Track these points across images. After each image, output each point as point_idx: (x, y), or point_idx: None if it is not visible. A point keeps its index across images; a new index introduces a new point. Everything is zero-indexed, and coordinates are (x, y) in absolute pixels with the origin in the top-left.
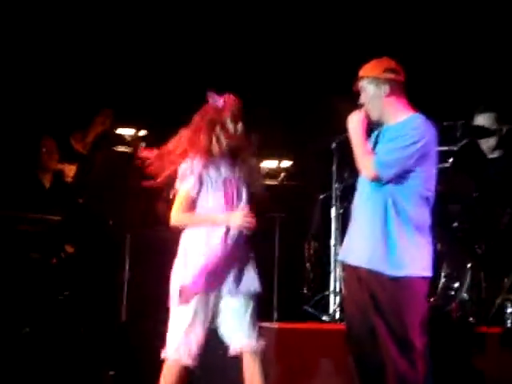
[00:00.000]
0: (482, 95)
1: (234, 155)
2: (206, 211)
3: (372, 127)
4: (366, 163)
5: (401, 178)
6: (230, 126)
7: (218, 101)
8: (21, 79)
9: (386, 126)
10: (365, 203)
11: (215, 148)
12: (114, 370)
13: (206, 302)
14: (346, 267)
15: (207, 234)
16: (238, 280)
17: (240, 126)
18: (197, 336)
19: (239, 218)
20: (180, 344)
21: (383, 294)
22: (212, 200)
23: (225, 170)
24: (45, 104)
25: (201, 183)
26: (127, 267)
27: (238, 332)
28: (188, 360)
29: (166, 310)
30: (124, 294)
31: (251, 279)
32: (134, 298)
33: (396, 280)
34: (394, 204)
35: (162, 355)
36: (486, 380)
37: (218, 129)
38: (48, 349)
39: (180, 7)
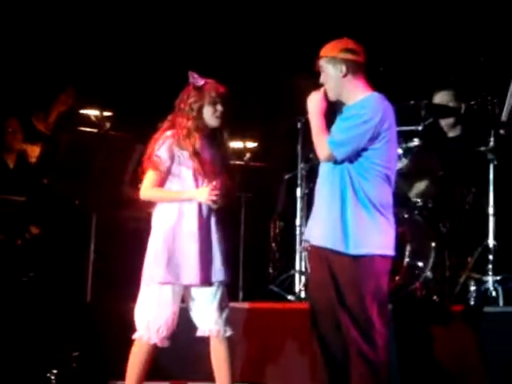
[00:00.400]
0: (442, 74)
1: (210, 137)
2: (176, 187)
3: (337, 108)
4: (321, 143)
5: (357, 156)
6: (209, 108)
7: (198, 81)
8: None
9: (345, 107)
10: (324, 183)
11: (191, 128)
12: (78, 350)
13: (177, 287)
14: (310, 246)
15: (179, 209)
16: (208, 270)
17: (219, 108)
18: (168, 316)
19: (206, 192)
20: (151, 323)
21: (343, 273)
22: (182, 176)
23: (198, 150)
24: (7, 84)
25: (172, 160)
26: (93, 248)
27: (206, 317)
28: (157, 340)
29: (131, 291)
30: (89, 274)
31: (221, 268)
32: (99, 278)
33: (355, 259)
34: (352, 183)
35: (134, 335)
36: (448, 356)
37: (195, 111)
38: (12, 330)
39: None
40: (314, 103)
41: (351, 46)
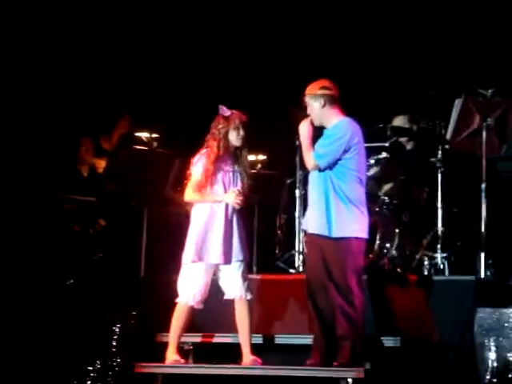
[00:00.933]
0: (400, 103)
1: (234, 154)
2: (210, 192)
3: (322, 131)
4: (308, 157)
5: (335, 165)
6: (233, 133)
7: (226, 112)
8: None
9: (326, 129)
10: (313, 187)
11: (220, 148)
12: (135, 311)
13: (208, 265)
14: (307, 234)
15: (211, 208)
16: (230, 252)
17: (241, 133)
18: (201, 286)
19: (232, 196)
20: (189, 291)
21: (329, 252)
22: (214, 184)
23: (225, 164)
24: (78, 111)
25: (206, 172)
26: (145, 235)
27: (232, 285)
28: (194, 303)
29: (174, 267)
30: (142, 255)
31: (240, 251)
32: (150, 258)
33: (337, 240)
34: (332, 184)
35: (176, 300)
36: (409, 312)
37: (222, 135)
38: (86, 296)
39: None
40: (303, 129)
41: (327, 84)
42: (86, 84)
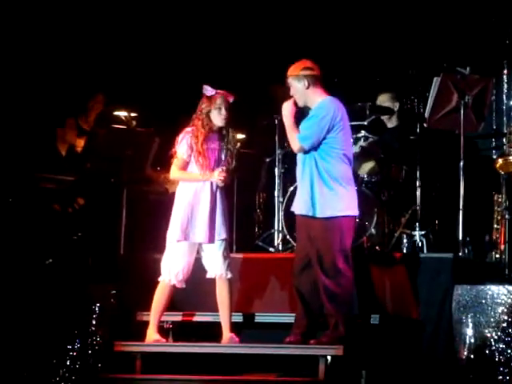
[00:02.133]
0: (383, 81)
1: (220, 132)
2: (195, 169)
3: (305, 111)
4: (292, 138)
5: (320, 145)
6: (215, 112)
7: (209, 92)
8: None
9: (310, 110)
10: (299, 168)
11: (204, 127)
12: (115, 289)
13: (191, 243)
14: (296, 215)
15: (196, 187)
16: (214, 231)
17: (223, 113)
18: (184, 265)
19: (216, 176)
20: (172, 270)
21: (315, 232)
22: (200, 162)
23: (211, 142)
24: (56, 91)
25: (191, 150)
26: (124, 214)
27: (213, 264)
28: (176, 282)
29: (153, 245)
30: (122, 234)
31: (223, 230)
32: (129, 236)
33: (322, 220)
34: (316, 166)
35: (159, 278)
36: (388, 287)
37: (205, 114)
38: (65, 275)
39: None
40: (287, 109)
41: (309, 65)
42: (64, 63)
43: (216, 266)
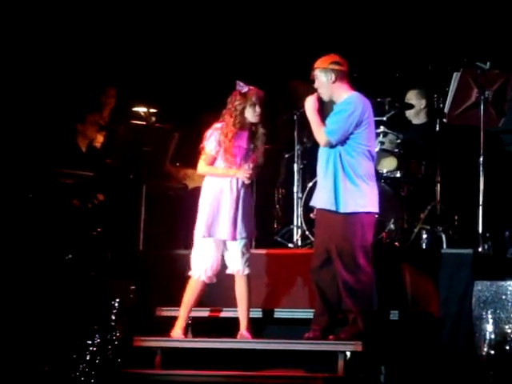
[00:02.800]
0: (405, 78)
1: (250, 130)
2: (222, 165)
3: (328, 105)
4: (319, 133)
5: (346, 140)
6: (250, 109)
7: (244, 88)
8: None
9: (335, 104)
10: (321, 161)
11: (236, 125)
12: (134, 285)
13: (218, 240)
14: (316, 210)
15: (221, 183)
16: (236, 229)
17: (257, 109)
18: (212, 261)
19: (242, 172)
20: (200, 266)
21: (337, 227)
22: (228, 159)
23: (241, 140)
24: (76, 87)
25: (219, 146)
26: (143, 210)
27: (232, 260)
28: (206, 278)
29: (172, 241)
30: (141, 229)
31: (244, 228)
32: (148, 232)
33: (345, 216)
34: (341, 159)
35: (189, 273)
36: (408, 283)
37: (239, 111)
38: (85, 270)
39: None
40: (310, 104)
41: (337, 59)
42: (85, 59)
43: (235, 262)
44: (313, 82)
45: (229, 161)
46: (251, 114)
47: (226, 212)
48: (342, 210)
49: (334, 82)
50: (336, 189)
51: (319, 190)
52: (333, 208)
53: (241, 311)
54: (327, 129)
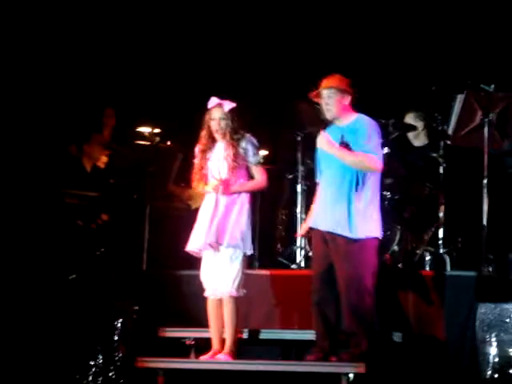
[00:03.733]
0: (408, 100)
1: (225, 143)
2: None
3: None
4: (372, 161)
5: None
6: (213, 123)
7: (210, 104)
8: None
9: (338, 126)
10: (333, 184)
11: (204, 139)
12: (137, 305)
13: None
14: (316, 230)
15: (207, 197)
16: (207, 237)
17: (220, 124)
18: (206, 276)
19: (212, 186)
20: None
21: (348, 250)
22: (206, 174)
23: (214, 153)
24: (81, 107)
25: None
26: (147, 230)
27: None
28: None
29: (177, 262)
30: (144, 249)
31: (221, 235)
32: (152, 252)
33: (356, 241)
34: (357, 183)
35: (231, 294)
36: (412, 306)
37: (206, 126)
38: (88, 290)
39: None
40: (325, 142)
41: (351, 83)
42: (90, 80)
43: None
44: (314, 100)
45: (206, 174)
46: (214, 128)
47: (201, 223)
48: (355, 236)
49: (348, 104)
50: (350, 213)
51: (330, 212)
52: (345, 233)
53: (225, 332)
54: (377, 155)
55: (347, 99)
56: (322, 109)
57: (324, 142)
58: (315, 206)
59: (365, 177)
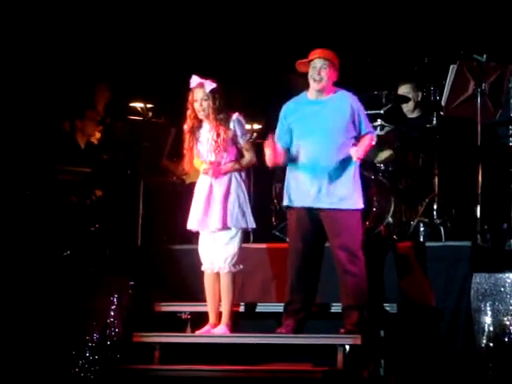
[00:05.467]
0: (401, 71)
1: (211, 123)
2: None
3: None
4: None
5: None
6: (196, 105)
7: (191, 83)
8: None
9: (320, 100)
10: (332, 159)
11: (191, 119)
12: (133, 280)
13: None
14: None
15: (201, 177)
16: (206, 217)
17: (198, 103)
18: (203, 254)
19: (202, 168)
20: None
21: (346, 222)
22: (196, 155)
23: (201, 134)
24: (75, 85)
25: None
26: (141, 205)
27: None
28: (204, 269)
29: (171, 237)
30: (139, 225)
31: (221, 217)
32: (147, 228)
33: (356, 211)
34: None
35: (229, 270)
36: (406, 276)
37: (191, 106)
38: (83, 267)
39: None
40: (359, 152)
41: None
42: (82, 54)
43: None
44: (300, 69)
45: (196, 155)
46: (197, 110)
47: (198, 204)
48: (355, 207)
49: (335, 78)
50: (354, 186)
51: (326, 188)
52: (348, 206)
53: (222, 305)
54: (372, 131)
55: (335, 76)
56: (309, 78)
57: (359, 151)
58: (296, 182)
59: (350, 144)
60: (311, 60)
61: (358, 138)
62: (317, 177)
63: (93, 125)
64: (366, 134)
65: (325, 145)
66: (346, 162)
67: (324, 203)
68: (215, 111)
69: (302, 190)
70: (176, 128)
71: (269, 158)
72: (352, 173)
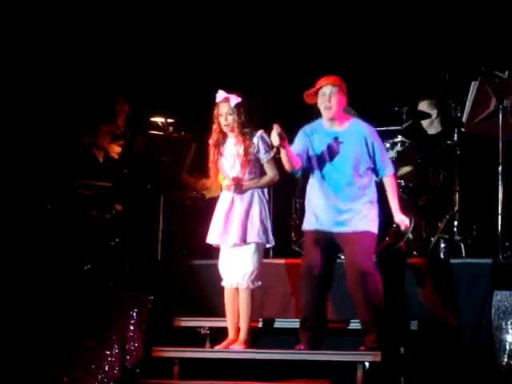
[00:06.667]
0: (422, 87)
1: (237, 138)
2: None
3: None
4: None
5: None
6: (221, 118)
7: (217, 98)
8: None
9: (333, 130)
10: (354, 186)
11: (215, 134)
12: (152, 295)
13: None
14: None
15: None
16: (226, 232)
17: (227, 119)
18: (223, 269)
19: (225, 183)
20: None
21: (363, 243)
22: (220, 169)
23: (225, 149)
24: (93, 99)
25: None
26: (161, 219)
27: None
28: (224, 285)
29: (191, 251)
30: (159, 239)
31: (241, 232)
32: (166, 242)
33: (369, 233)
34: (372, 183)
35: (247, 285)
36: (426, 293)
37: (216, 120)
38: (103, 281)
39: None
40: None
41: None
42: (104, 70)
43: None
44: (308, 101)
45: (220, 169)
46: (222, 124)
47: (218, 218)
48: (370, 229)
49: (345, 106)
50: (370, 210)
51: (345, 212)
52: (364, 228)
53: (240, 321)
54: (390, 166)
55: (344, 101)
56: (319, 106)
57: (403, 218)
58: (315, 207)
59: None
60: (319, 88)
61: (375, 168)
62: (335, 204)
63: (107, 139)
64: (387, 175)
65: (343, 176)
66: (363, 189)
67: (342, 229)
68: (240, 125)
69: (321, 218)
70: (196, 143)
71: (285, 161)
72: (369, 198)
